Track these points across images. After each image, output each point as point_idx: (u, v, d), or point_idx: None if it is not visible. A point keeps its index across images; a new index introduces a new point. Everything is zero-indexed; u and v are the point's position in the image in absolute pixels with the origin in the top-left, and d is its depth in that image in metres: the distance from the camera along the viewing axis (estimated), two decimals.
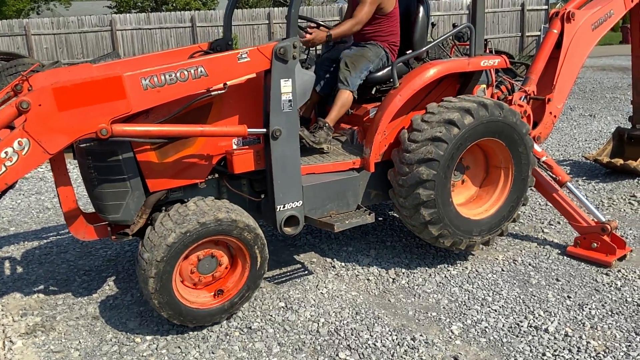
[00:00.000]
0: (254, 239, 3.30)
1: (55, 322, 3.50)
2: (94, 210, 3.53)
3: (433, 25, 4.50)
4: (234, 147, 3.48)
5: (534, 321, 3.34)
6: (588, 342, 3.12)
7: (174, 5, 28.07)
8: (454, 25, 4.50)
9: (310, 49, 4.28)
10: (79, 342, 3.28)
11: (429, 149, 3.55)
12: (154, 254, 3.03)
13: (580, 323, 3.31)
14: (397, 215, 5.01)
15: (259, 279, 3.41)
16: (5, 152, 2.68)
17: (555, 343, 3.13)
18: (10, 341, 3.30)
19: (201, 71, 3.06)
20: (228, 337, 3.28)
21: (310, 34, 4.05)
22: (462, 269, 4.01)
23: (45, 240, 4.89)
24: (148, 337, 3.28)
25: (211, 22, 17.20)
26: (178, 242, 3.05)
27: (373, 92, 4.18)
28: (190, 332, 3.31)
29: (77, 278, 4.10)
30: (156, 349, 3.18)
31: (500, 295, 3.65)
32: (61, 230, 5.13)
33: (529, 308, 3.49)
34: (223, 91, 3.27)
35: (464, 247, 3.89)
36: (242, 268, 3.37)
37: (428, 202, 3.61)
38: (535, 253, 4.25)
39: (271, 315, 3.49)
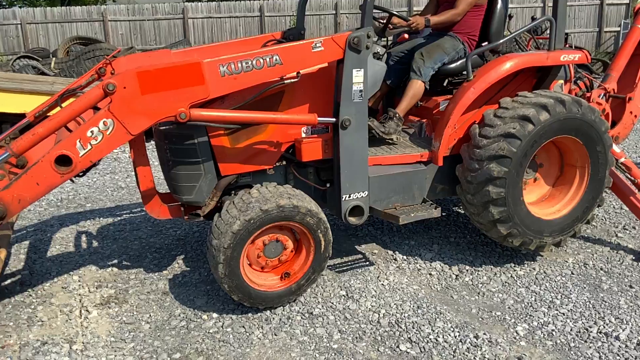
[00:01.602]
0: (317, 223, 3.34)
1: (127, 295, 3.69)
2: (168, 191, 3.68)
3: (510, 17, 4.37)
4: (303, 135, 3.53)
5: (604, 327, 3.22)
6: None
7: None
8: (533, 18, 4.35)
9: (382, 39, 4.25)
10: (150, 315, 3.44)
11: (501, 146, 3.47)
12: (221, 241, 3.13)
13: None
14: (462, 211, 4.93)
15: (324, 262, 3.46)
16: (91, 131, 2.83)
17: (626, 352, 3.00)
18: (87, 310, 3.51)
19: (276, 59, 3.12)
20: (290, 320, 3.34)
21: (383, 24, 4.06)
22: (530, 270, 3.91)
23: (119, 218, 5.13)
24: (214, 315, 3.40)
25: (279, 11, 17.38)
26: (243, 229, 3.13)
27: (445, 84, 4.11)
28: (254, 313, 3.41)
29: (149, 255, 4.29)
30: (222, 326, 3.29)
31: (569, 299, 3.53)
32: (134, 208, 5.37)
33: (599, 314, 3.37)
34: (296, 80, 3.31)
35: (533, 247, 3.78)
36: (307, 251, 3.43)
37: (498, 200, 3.54)
38: (607, 258, 4.08)
39: (332, 303, 3.53)
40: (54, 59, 12.51)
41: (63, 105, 3.48)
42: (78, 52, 12.67)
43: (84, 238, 4.70)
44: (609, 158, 3.82)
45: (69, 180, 3.01)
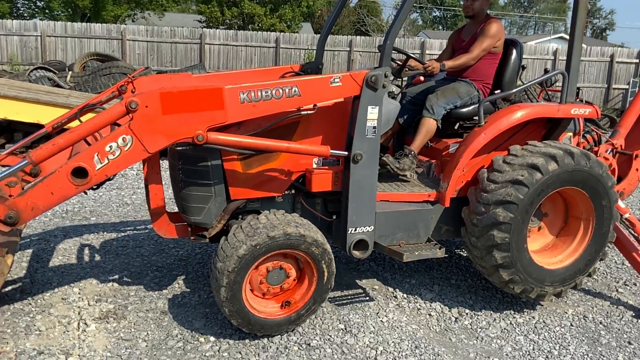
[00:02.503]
0: (322, 254, 3.36)
1: (126, 311, 3.69)
2: (176, 211, 3.72)
3: (524, 68, 4.47)
4: (314, 166, 3.59)
5: None
6: None
7: (260, 25, 29.13)
8: (546, 71, 4.47)
9: (398, 79, 4.36)
10: (147, 333, 3.44)
11: (509, 192, 3.52)
12: (226, 264, 3.15)
13: None
14: (464, 254, 4.95)
15: (325, 293, 3.47)
16: (110, 146, 2.90)
17: None
18: (85, 323, 3.50)
19: (295, 91, 3.20)
20: (287, 350, 3.33)
21: (399, 65, 4.17)
22: (529, 318, 3.90)
23: (122, 234, 5.16)
24: (212, 339, 3.40)
25: (294, 44, 17.74)
26: (248, 254, 3.16)
27: (456, 127, 4.19)
28: (251, 340, 3.40)
29: (150, 273, 4.30)
30: (218, 350, 3.28)
31: (567, 350, 3.52)
32: (138, 225, 5.40)
33: None
34: (312, 112, 3.39)
35: (534, 295, 3.79)
36: (309, 281, 3.45)
37: (502, 245, 3.56)
38: (607, 312, 4.08)
39: (330, 336, 3.52)
40: (70, 72, 12.73)
41: (82, 119, 3.56)
42: (94, 67, 12.89)
43: (86, 251, 4.72)
44: (613, 213, 3.86)
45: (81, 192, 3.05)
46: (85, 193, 3.20)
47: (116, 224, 5.47)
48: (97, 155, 2.88)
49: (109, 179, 3.14)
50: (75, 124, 3.42)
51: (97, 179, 2.93)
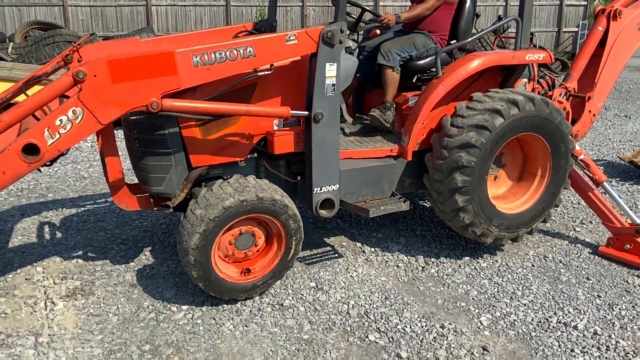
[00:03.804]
0: (296, 230, 3.38)
1: (94, 287, 3.63)
2: (136, 182, 3.63)
3: (477, 16, 4.46)
4: (275, 128, 3.54)
5: (563, 317, 3.36)
6: (617, 342, 3.13)
7: None
8: (499, 18, 4.44)
9: (354, 33, 4.29)
10: (117, 307, 3.40)
11: (486, 118, 3.58)
12: (208, 212, 3.11)
13: (609, 322, 3.32)
14: (428, 205, 5.04)
15: (284, 270, 3.49)
16: (60, 120, 2.77)
17: (584, 340, 3.15)
18: (52, 302, 3.44)
19: (250, 51, 3.11)
20: (261, 312, 3.36)
21: (355, 19, 4.10)
22: (492, 262, 4.03)
23: (82, 209, 5.03)
24: (184, 307, 3.39)
25: (245, 2, 17.19)
26: (234, 207, 3.14)
27: (414, 80, 4.18)
28: (224, 305, 3.41)
29: (115, 246, 4.23)
30: (192, 318, 3.28)
31: (530, 290, 3.67)
32: (98, 199, 5.26)
33: (558, 304, 3.51)
34: (269, 72, 3.31)
35: (479, 232, 3.81)
36: (274, 255, 3.46)
37: (467, 168, 3.61)
38: (566, 251, 4.25)
39: (302, 294, 3.57)
40: (11, 43, 12.07)
41: (28, 92, 3.39)
42: (37, 37, 12.27)
43: (46, 229, 4.59)
44: (567, 178, 4.04)
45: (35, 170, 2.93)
46: (39, 170, 3.08)
47: (75, 199, 5.32)
48: (48, 130, 2.76)
49: (62, 154, 3.02)
50: (21, 98, 3.26)
51: (50, 155, 2.81)
